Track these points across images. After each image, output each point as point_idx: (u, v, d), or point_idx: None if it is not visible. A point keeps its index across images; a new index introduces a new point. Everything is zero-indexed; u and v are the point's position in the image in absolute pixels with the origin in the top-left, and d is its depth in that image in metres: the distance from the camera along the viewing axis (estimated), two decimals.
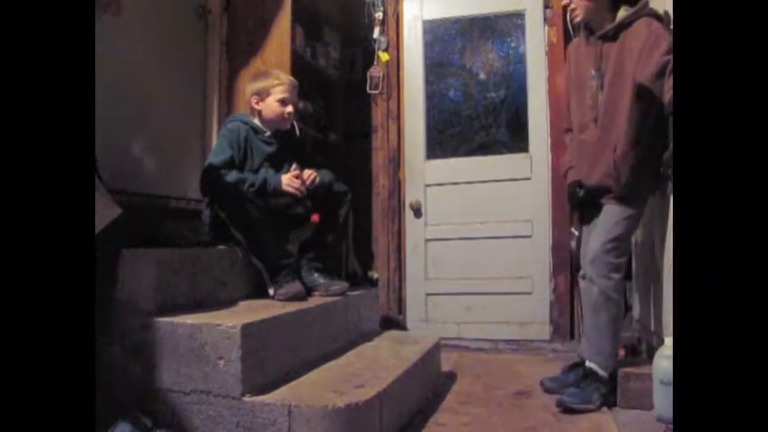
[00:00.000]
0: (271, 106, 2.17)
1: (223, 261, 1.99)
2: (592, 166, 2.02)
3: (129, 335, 1.60)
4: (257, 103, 2.19)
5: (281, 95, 2.17)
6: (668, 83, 1.76)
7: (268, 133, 2.22)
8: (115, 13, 2.10)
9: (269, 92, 2.17)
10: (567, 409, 1.89)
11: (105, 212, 1.47)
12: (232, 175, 2.03)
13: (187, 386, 1.53)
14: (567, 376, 2.11)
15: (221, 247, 2.06)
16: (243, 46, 2.75)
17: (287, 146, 2.27)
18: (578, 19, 2.02)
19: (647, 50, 1.82)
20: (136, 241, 1.76)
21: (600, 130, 1.99)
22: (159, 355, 1.56)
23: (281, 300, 1.98)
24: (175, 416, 1.53)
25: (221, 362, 1.50)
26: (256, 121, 2.22)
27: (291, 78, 2.25)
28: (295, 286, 2.02)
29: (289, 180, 2.09)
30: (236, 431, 1.47)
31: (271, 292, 2.03)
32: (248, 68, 2.72)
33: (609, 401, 1.96)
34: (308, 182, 2.14)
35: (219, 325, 1.52)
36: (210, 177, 2.05)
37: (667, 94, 1.76)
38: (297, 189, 2.09)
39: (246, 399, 1.47)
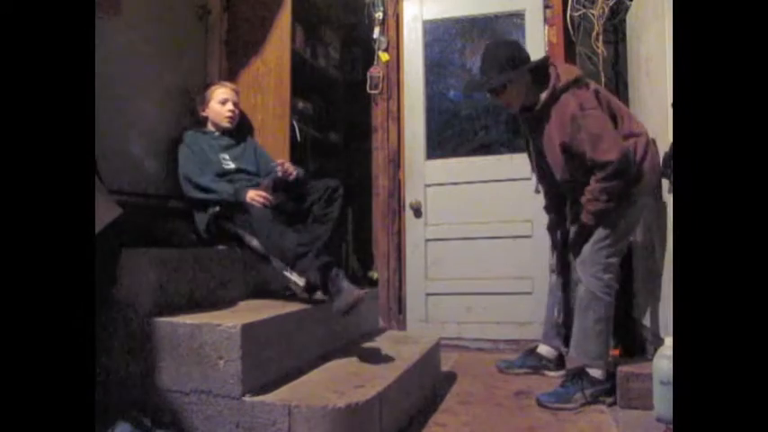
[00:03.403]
0: (213, 108, 2.39)
1: (223, 261, 1.99)
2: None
3: (128, 335, 1.60)
4: (203, 111, 2.41)
5: (220, 97, 2.39)
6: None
7: (217, 134, 2.38)
8: (115, 13, 2.10)
9: (209, 97, 2.39)
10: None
11: (105, 213, 1.47)
12: (199, 192, 2.15)
13: (187, 386, 1.53)
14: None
15: (221, 247, 2.06)
16: (243, 46, 2.74)
17: (240, 133, 2.46)
18: (514, 111, 2.19)
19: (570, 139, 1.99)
20: (136, 241, 1.76)
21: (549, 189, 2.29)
22: (159, 356, 1.56)
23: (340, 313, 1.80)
24: (175, 416, 1.53)
25: (221, 362, 1.50)
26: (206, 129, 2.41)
27: (230, 84, 2.50)
28: (353, 292, 1.80)
29: (253, 195, 2.08)
30: (236, 431, 1.47)
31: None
32: (248, 68, 2.72)
33: (608, 401, 1.96)
34: (287, 174, 2.18)
35: (219, 325, 1.52)
36: (192, 192, 2.18)
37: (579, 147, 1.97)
38: (262, 203, 2.08)
39: (246, 399, 1.47)
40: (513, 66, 2.05)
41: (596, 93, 2.03)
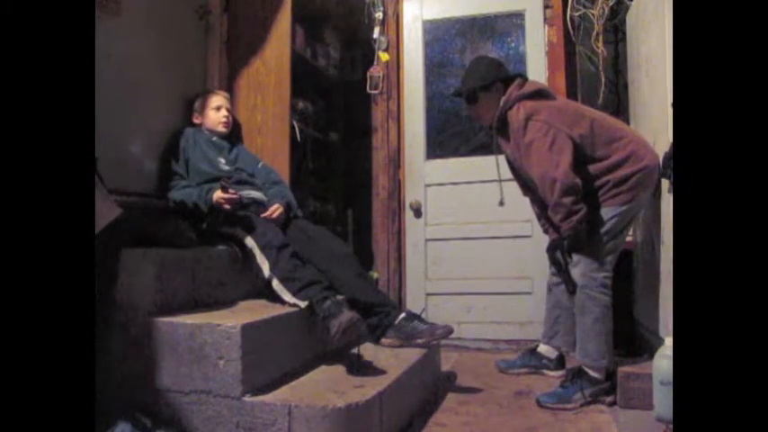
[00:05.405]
0: (209, 116, 2.45)
1: (223, 261, 1.99)
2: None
3: (128, 335, 1.60)
4: (198, 118, 2.45)
5: (215, 104, 2.45)
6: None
7: (214, 138, 2.41)
8: (115, 13, 2.10)
9: (205, 104, 2.45)
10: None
11: (105, 212, 1.47)
12: (177, 196, 2.21)
13: (187, 386, 1.53)
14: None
15: (221, 247, 2.06)
16: (243, 46, 2.75)
17: (232, 139, 2.51)
18: (485, 123, 2.26)
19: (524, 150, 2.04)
20: (136, 241, 1.76)
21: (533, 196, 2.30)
22: (159, 356, 1.56)
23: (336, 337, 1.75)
24: (175, 416, 1.53)
25: (221, 362, 1.50)
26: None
27: (223, 91, 2.57)
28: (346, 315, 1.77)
29: (218, 198, 2.11)
30: (236, 431, 1.47)
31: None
32: (248, 68, 2.72)
33: (608, 401, 1.96)
34: (274, 216, 2.17)
35: (219, 325, 1.52)
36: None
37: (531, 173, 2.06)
38: (231, 203, 2.11)
39: (246, 399, 1.47)
40: (486, 79, 2.13)
41: (561, 107, 2.05)
